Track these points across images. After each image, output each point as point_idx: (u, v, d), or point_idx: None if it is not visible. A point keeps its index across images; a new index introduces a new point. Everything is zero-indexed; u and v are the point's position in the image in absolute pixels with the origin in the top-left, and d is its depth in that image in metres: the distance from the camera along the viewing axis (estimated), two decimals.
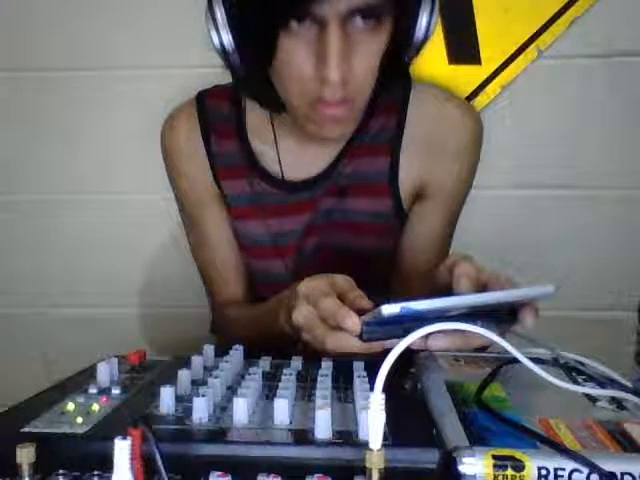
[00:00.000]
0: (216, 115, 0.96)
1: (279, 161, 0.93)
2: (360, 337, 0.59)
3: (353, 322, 0.59)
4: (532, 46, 1.13)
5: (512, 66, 1.14)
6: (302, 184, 0.94)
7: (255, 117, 0.94)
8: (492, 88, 1.15)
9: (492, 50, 1.14)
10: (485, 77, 1.15)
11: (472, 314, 0.55)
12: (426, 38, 0.78)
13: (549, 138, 1.16)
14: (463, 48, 1.14)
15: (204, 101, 0.97)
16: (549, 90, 1.15)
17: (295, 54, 0.74)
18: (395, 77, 0.84)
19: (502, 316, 0.59)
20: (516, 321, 0.60)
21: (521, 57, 1.13)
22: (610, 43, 1.12)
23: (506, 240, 1.16)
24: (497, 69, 1.14)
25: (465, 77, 1.13)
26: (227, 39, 0.75)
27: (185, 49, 1.17)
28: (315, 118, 0.80)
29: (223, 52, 0.76)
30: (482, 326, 0.52)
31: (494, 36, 1.13)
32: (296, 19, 0.72)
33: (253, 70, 0.79)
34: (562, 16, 1.12)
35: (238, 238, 0.98)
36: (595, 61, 1.13)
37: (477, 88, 1.14)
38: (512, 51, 1.14)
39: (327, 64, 0.72)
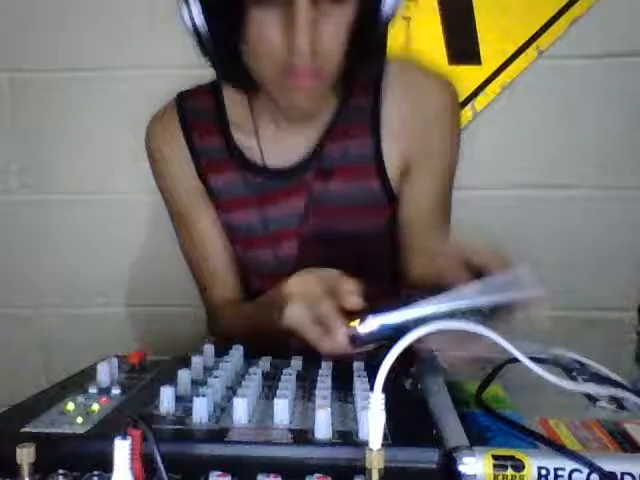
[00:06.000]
0: (197, 113, 0.97)
1: (260, 150, 0.94)
2: (353, 342, 0.60)
3: (342, 335, 0.61)
4: (532, 46, 1.13)
5: (512, 66, 1.14)
6: (287, 170, 0.94)
7: (235, 110, 0.96)
8: (492, 88, 1.15)
9: (492, 50, 1.14)
10: (485, 77, 1.15)
11: (458, 314, 0.56)
12: (393, 12, 0.79)
13: (548, 138, 1.16)
14: (463, 48, 1.14)
15: (184, 100, 0.98)
16: (549, 90, 1.15)
17: (264, 25, 0.76)
18: (367, 50, 0.84)
19: (488, 312, 0.59)
20: (499, 316, 0.60)
21: (521, 57, 1.14)
22: (609, 44, 1.12)
23: (505, 240, 1.15)
24: (497, 69, 1.14)
25: (465, 77, 1.14)
26: (197, 15, 0.76)
27: (185, 49, 1.17)
28: (286, 89, 0.81)
29: (194, 28, 0.77)
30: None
31: (494, 36, 1.13)
32: None
33: (223, 46, 0.80)
34: (562, 17, 1.12)
35: (230, 231, 0.98)
36: (594, 61, 1.13)
37: (477, 88, 1.14)
38: (512, 51, 1.14)
39: (295, 33, 0.73)
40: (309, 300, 0.66)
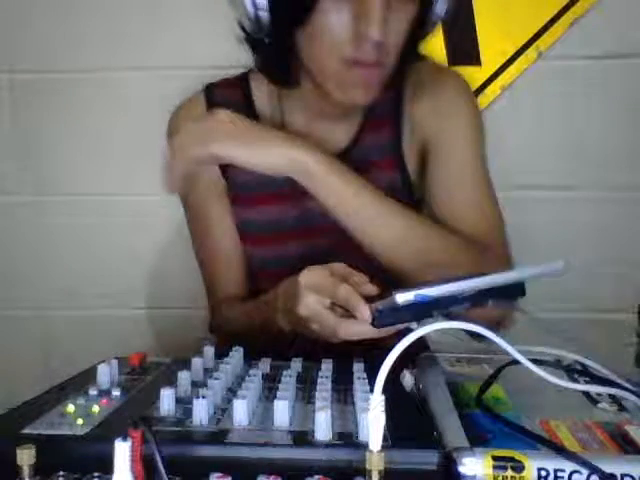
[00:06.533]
0: (225, 104, 0.93)
1: None
2: (372, 323, 0.60)
3: (366, 311, 0.60)
4: (532, 47, 1.13)
5: (512, 67, 1.14)
6: None
7: (263, 103, 0.96)
8: (492, 89, 1.15)
9: (492, 51, 1.14)
10: (485, 78, 1.15)
11: (486, 292, 0.56)
12: (442, 14, 0.81)
13: (548, 139, 1.16)
14: (463, 49, 1.14)
15: (212, 92, 0.98)
16: (549, 91, 1.15)
17: (334, 12, 0.75)
18: (414, 49, 0.85)
19: (511, 290, 0.59)
20: (524, 294, 0.60)
21: (521, 58, 1.14)
22: (609, 45, 1.12)
23: None
24: (497, 70, 1.14)
25: (465, 78, 1.13)
26: None
27: (185, 50, 1.17)
28: (345, 81, 0.80)
29: (254, 9, 0.75)
30: (493, 304, 0.53)
31: (494, 37, 1.13)
32: None
33: (281, 33, 0.79)
34: (562, 18, 1.12)
35: (251, 227, 0.97)
36: (594, 62, 1.13)
37: (477, 89, 1.14)
38: (512, 52, 1.14)
39: (369, 22, 0.73)
40: (323, 289, 0.67)
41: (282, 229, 0.96)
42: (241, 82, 0.98)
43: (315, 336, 0.69)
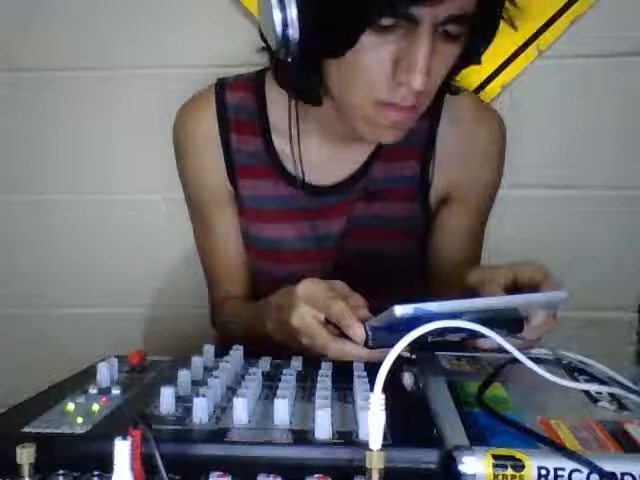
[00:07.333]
0: (237, 108, 0.92)
1: (300, 162, 0.88)
2: (365, 343, 0.59)
3: (360, 331, 0.60)
4: (532, 46, 1.13)
5: (512, 66, 1.14)
6: (331, 187, 0.92)
7: (278, 114, 0.90)
8: (492, 88, 1.15)
9: (492, 50, 1.13)
10: (485, 77, 1.15)
11: (484, 322, 0.55)
12: (483, 52, 0.80)
13: (549, 138, 1.16)
14: None
15: (224, 92, 0.93)
16: (549, 90, 1.15)
17: (376, 52, 0.70)
18: (448, 86, 0.83)
19: (513, 325, 0.60)
20: (522, 330, 0.60)
21: (521, 57, 1.13)
22: (610, 43, 1.12)
23: (505, 240, 1.15)
24: (497, 69, 1.14)
25: (465, 77, 1.13)
26: (292, 18, 0.68)
27: (186, 49, 1.17)
28: (376, 121, 0.76)
29: (283, 30, 0.69)
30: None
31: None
32: (390, 18, 0.68)
33: (311, 58, 0.73)
34: (562, 16, 1.12)
35: (254, 242, 0.95)
36: (595, 61, 1.13)
37: (477, 88, 1.14)
38: (512, 51, 1.14)
39: (413, 70, 0.69)
40: (318, 302, 0.66)
41: (285, 248, 0.94)
42: (256, 84, 0.92)
43: (306, 351, 0.67)
